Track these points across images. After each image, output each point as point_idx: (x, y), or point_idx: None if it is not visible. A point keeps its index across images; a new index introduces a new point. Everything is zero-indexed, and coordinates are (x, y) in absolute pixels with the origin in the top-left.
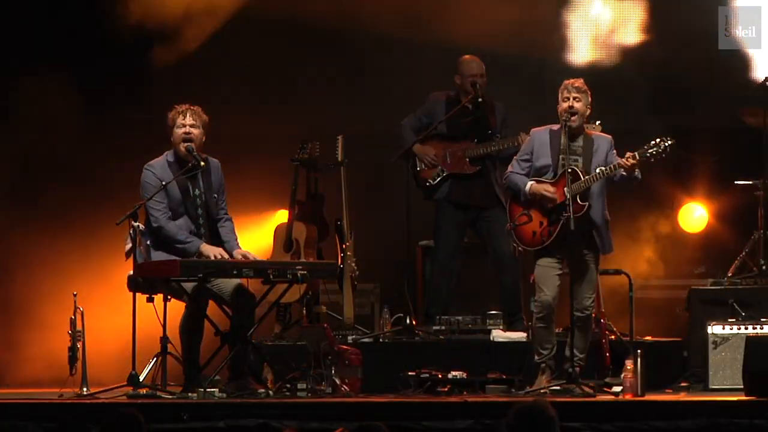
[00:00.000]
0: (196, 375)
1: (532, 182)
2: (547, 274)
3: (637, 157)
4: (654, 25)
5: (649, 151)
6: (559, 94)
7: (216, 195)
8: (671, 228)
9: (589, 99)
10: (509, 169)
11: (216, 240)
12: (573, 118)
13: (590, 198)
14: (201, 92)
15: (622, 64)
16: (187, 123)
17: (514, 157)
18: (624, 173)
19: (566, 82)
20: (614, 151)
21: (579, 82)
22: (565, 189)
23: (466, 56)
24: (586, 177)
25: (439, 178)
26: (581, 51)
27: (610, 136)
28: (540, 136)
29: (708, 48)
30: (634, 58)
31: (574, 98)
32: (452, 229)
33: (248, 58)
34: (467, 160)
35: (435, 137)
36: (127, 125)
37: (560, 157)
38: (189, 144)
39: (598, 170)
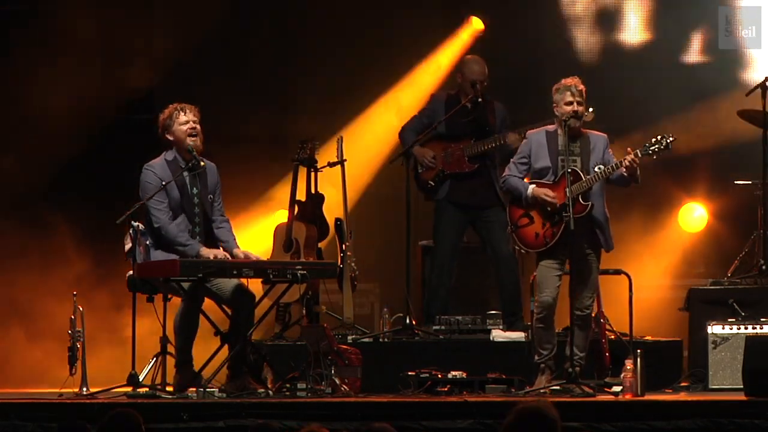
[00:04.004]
0: (189, 373)
1: (533, 186)
2: (548, 274)
3: (639, 155)
4: (654, 24)
5: (651, 148)
6: (558, 95)
7: (212, 196)
8: (671, 228)
9: (584, 96)
10: (506, 171)
11: (210, 241)
12: (578, 121)
13: (591, 197)
14: (201, 92)
15: (620, 63)
16: (190, 119)
17: (512, 160)
18: (624, 173)
19: (566, 82)
20: (610, 150)
21: (580, 84)
22: (566, 190)
23: (469, 56)
24: (587, 177)
25: (438, 179)
26: (581, 50)
27: (605, 135)
28: (537, 138)
29: (708, 48)
30: (633, 57)
31: (577, 101)
32: (452, 230)
33: (248, 57)
34: (466, 158)
35: (434, 138)
36: (127, 125)
37: (559, 158)
38: (195, 139)
39: (597, 169)
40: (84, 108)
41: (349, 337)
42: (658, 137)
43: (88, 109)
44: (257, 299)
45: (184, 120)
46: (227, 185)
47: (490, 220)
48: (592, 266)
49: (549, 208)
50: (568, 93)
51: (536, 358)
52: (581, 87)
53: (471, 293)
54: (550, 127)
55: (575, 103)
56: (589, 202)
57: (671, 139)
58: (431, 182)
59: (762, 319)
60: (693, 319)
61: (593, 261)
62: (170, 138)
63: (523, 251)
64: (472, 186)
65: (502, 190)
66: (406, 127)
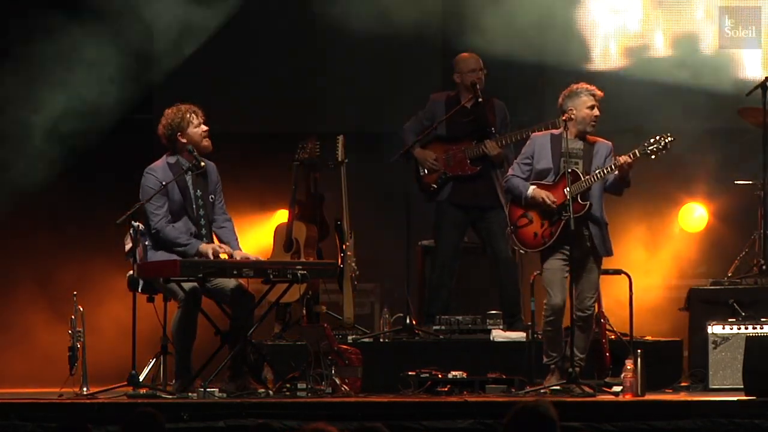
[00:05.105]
0: (188, 379)
1: (534, 187)
2: (556, 277)
3: (638, 154)
4: (653, 24)
5: (650, 147)
6: (577, 99)
7: (213, 196)
8: (671, 228)
9: None
10: (510, 172)
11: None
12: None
13: (590, 198)
14: (201, 92)
15: (621, 64)
16: (203, 121)
17: (515, 160)
18: (616, 173)
19: (585, 87)
20: (612, 159)
21: (597, 89)
22: (566, 189)
23: (463, 54)
24: (586, 177)
25: (441, 182)
26: (582, 52)
27: (610, 143)
28: (540, 140)
29: (708, 48)
30: (632, 57)
31: (597, 106)
32: (453, 230)
33: (248, 57)
34: (468, 160)
35: (435, 140)
36: (128, 126)
37: (561, 160)
38: (209, 142)
39: (597, 171)
40: (84, 108)
41: (349, 337)
42: (657, 137)
43: (88, 109)
44: (257, 299)
45: (199, 123)
46: (227, 185)
47: (491, 222)
48: (592, 266)
49: (546, 206)
50: (592, 97)
51: (545, 359)
52: (600, 92)
53: (471, 293)
54: (555, 131)
55: (596, 108)
56: (588, 202)
57: (670, 138)
58: (434, 185)
59: (762, 319)
60: (693, 319)
61: (594, 261)
62: (182, 140)
63: (521, 251)
64: (474, 188)
65: (503, 189)
66: (406, 128)
